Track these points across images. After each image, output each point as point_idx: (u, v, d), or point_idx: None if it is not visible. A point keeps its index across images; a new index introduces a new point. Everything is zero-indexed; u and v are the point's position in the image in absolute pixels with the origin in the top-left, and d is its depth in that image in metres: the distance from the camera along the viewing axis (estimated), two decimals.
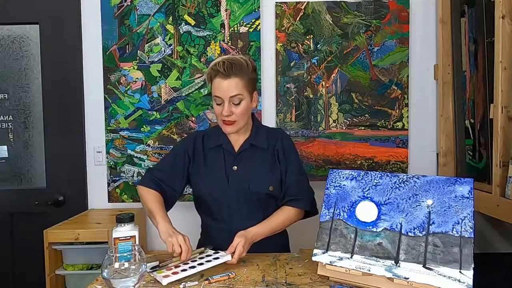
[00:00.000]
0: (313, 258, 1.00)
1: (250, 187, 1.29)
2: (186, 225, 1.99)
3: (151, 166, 1.92)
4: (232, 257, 1.11)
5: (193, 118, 1.99)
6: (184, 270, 1.07)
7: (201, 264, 1.09)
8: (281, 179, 1.33)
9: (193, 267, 1.08)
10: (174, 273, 1.05)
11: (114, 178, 2.01)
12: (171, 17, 1.97)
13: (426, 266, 0.87)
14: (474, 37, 1.72)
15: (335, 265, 0.97)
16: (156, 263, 1.12)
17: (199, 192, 1.36)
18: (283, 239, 1.42)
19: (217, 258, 1.12)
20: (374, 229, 0.96)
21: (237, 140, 1.35)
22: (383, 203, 0.99)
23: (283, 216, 1.30)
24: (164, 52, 1.98)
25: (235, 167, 1.32)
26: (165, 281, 1.02)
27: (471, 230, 0.87)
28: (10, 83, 2.04)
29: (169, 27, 1.97)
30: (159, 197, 1.30)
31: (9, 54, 2.04)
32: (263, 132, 1.37)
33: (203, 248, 1.20)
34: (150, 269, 1.08)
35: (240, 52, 1.96)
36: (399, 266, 0.89)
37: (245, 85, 1.25)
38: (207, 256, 1.15)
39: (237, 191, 1.30)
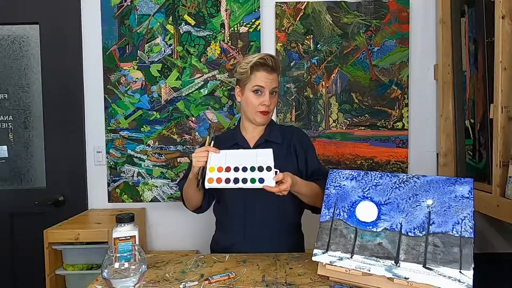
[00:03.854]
0: (313, 258, 1.00)
1: None
2: (192, 225, 1.99)
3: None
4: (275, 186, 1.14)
5: (193, 118, 1.99)
6: (228, 181, 1.12)
7: (245, 180, 1.13)
8: (298, 169, 1.38)
9: (237, 180, 1.12)
10: (218, 180, 1.12)
11: (114, 178, 2.01)
12: (171, 17, 1.97)
13: (426, 266, 0.87)
14: (474, 37, 1.72)
15: (335, 265, 0.97)
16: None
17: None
18: (299, 238, 1.44)
19: (262, 179, 1.13)
20: (374, 229, 0.96)
21: (253, 138, 1.40)
22: (383, 203, 0.99)
23: (316, 186, 1.29)
24: (164, 52, 1.98)
25: None
26: (207, 185, 1.10)
27: (471, 230, 0.87)
28: (10, 83, 2.04)
29: (169, 27, 1.97)
30: None
31: (9, 54, 2.04)
32: (277, 129, 1.44)
33: (211, 130, 1.28)
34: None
35: (240, 53, 1.96)
36: (399, 266, 0.89)
37: (278, 81, 1.39)
38: (254, 170, 1.15)
39: None
